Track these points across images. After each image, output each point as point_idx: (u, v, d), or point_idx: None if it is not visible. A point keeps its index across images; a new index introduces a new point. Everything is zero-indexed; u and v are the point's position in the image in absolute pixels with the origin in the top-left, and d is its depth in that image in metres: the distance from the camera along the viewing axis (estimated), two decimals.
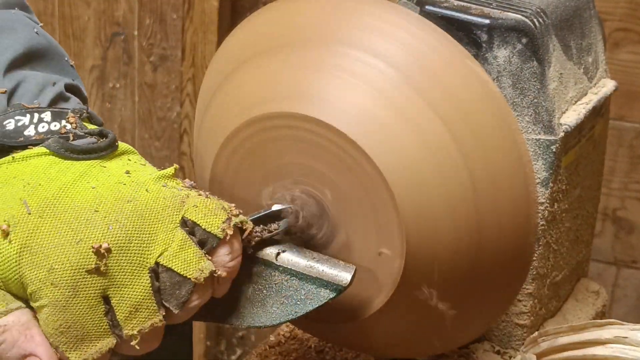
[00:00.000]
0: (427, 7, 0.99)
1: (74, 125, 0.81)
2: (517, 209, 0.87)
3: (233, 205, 0.79)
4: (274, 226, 0.84)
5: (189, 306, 0.76)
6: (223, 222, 0.77)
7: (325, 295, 0.82)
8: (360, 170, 0.83)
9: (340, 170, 0.84)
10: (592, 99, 1.06)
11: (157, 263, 0.74)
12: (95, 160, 0.78)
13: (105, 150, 0.79)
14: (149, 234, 0.75)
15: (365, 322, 0.89)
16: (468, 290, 0.88)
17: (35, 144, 0.79)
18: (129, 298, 0.74)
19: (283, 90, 0.86)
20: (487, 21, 0.98)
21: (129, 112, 1.83)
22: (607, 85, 1.10)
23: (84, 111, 0.83)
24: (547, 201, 1.00)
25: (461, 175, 0.83)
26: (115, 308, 0.74)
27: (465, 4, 0.99)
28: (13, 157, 0.77)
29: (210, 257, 0.76)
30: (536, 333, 0.98)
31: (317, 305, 0.82)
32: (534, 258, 1.01)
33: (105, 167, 0.78)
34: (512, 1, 1.01)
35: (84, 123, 0.82)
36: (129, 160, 0.80)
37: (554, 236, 1.05)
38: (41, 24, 0.94)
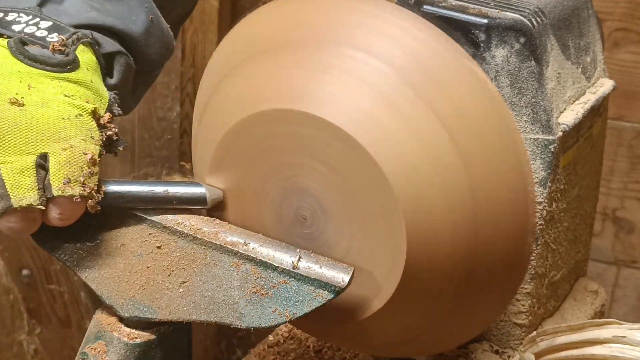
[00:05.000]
0: (425, 6, 0.99)
1: (59, 41, 0.87)
2: (516, 208, 0.87)
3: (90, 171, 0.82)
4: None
5: (7, 225, 0.81)
6: (64, 184, 0.81)
7: (324, 296, 0.83)
8: (361, 170, 0.83)
9: (339, 169, 0.84)
10: (590, 98, 1.06)
11: None
12: (39, 70, 0.85)
13: (51, 66, 0.85)
14: (9, 141, 0.81)
15: (364, 322, 0.89)
16: (467, 289, 0.88)
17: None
18: None
19: (282, 89, 0.86)
20: (485, 21, 0.98)
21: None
22: (605, 85, 1.10)
23: (88, 37, 0.89)
24: (546, 201, 1.00)
25: (459, 176, 0.83)
26: None
27: (463, 3, 0.99)
28: None
29: (44, 198, 0.81)
30: (534, 332, 0.98)
31: (316, 307, 0.83)
32: (533, 257, 1.01)
33: (39, 79, 0.84)
34: (510, 1, 1.01)
35: (84, 46, 0.88)
36: (74, 88, 0.85)
37: (553, 236, 1.05)
38: None
